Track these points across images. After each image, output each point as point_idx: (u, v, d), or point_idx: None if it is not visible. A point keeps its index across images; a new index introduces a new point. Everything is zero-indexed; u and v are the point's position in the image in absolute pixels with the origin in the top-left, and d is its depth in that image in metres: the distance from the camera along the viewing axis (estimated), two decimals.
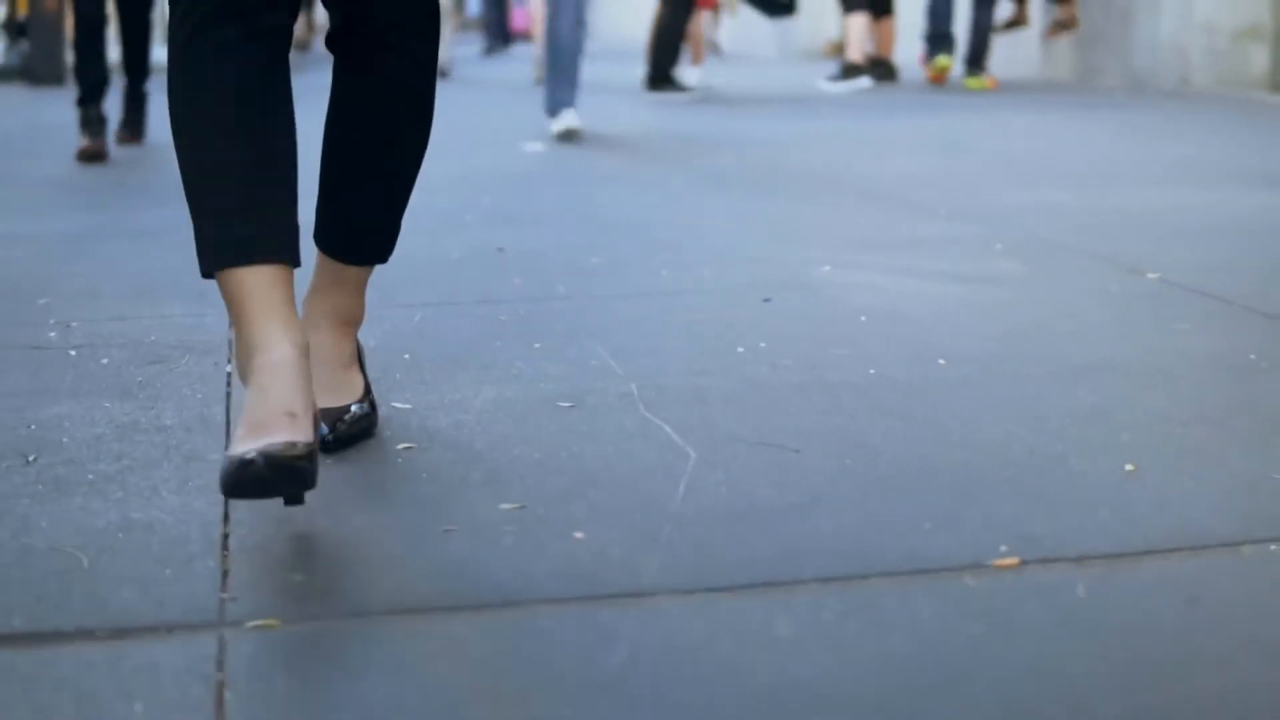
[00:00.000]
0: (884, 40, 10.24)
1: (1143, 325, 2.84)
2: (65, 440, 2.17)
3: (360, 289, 2.15)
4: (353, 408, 2.08)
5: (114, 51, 6.86)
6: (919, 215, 4.26)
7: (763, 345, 2.67)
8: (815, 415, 2.24)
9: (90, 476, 2.00)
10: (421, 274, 3.36)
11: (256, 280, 1.81)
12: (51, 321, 2.96)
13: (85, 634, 1.52)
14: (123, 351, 2.69)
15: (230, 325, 1.92)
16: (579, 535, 1.76)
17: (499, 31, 17.87)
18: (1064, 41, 10.46)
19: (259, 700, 1.37)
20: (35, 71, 11.38)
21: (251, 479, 1.62)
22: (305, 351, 1.81)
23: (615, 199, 4.75)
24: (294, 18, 1.90)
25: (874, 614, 1.54)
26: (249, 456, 1.62)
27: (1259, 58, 9.42)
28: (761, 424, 2.20)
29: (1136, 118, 7.58)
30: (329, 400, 2.05)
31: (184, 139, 1.86)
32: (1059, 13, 10.11)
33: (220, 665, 1.44)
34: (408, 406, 2.30)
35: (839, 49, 13.13)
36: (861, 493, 1.90)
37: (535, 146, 6.30)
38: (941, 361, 2.55)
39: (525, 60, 14.21)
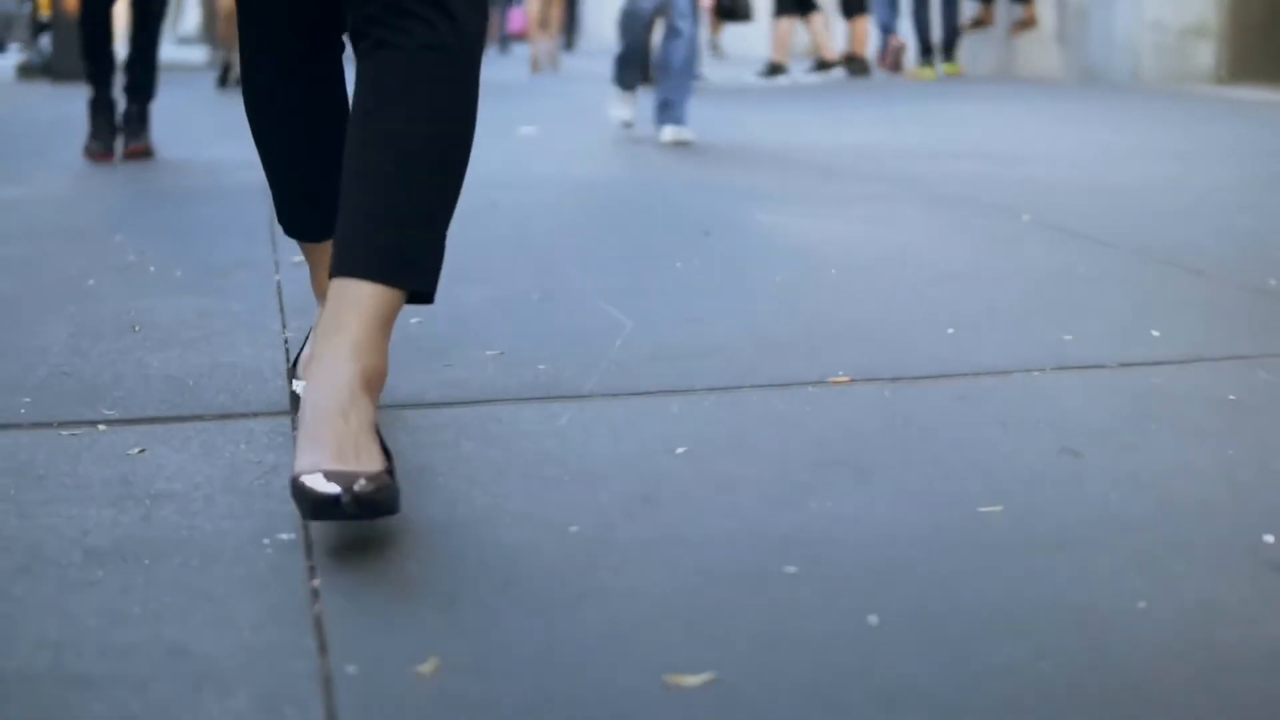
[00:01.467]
0: (857, 38, 10.96)
1: (1000, 250, 3.55)
2: (160, 320, 2.87)
3: (384, 329, 1.77)
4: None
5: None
6: (851, 179, 4.97)
7: (696, 262, 3.38)
8: (727, 303, 2.95)
9: (183, 338, 2.71)
10: None
11: (323, 245, 2.21)
12: (129, 250, 3.66)
13: (198, 417, 2.23)
14: (192, 269, 3.40)
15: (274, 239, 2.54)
16: (541, 367, 2.47)
17: (496, 33, 18.61)
18: (1026, 38, 11.18)
19: None
20: (58, 68, 12.05)
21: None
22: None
23: (593, 169, 5.46)
24: (342, 39, 2.11)
25: (739, 405, 2.25)
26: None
27: (1204, 53, 10.12)
28: (685, 309, 2.90)
29: (1079, 107, 8.29)
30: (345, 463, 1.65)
31: (263, 151, 2.20)
32: (1020, 12, 10.83)
33: (293, 425, 2.15)
34: None
35: (818, 48, 13.83)
36: (748, 344, 2.61)
37: (528, 130, 7.01)
38: (833, 271, 3.26)
39: (522, 59, 14.91)
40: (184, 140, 6.61)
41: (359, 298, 1.76)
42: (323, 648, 1.39)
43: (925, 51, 11.13)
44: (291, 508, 1.75)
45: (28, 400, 2.32)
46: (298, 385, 2.22)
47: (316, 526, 1.71)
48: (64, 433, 2.15)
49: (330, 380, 1.72)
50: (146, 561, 1.62)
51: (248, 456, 2.02)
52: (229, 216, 4.23)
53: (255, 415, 2.23)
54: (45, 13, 12.94)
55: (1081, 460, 1.97)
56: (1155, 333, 2.68)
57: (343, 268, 1.78)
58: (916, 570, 1.59)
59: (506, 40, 18.95)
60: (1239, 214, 4.10)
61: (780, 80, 10.51)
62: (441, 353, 2.57)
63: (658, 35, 6.92)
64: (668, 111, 6.33)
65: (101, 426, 2.18)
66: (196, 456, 2.02)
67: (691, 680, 1.32)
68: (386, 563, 1.61)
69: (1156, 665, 1.37)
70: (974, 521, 1.73)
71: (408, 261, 1.80)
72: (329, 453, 1.64)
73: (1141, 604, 1.50)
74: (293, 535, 1.70)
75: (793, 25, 10.47)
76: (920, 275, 3.22)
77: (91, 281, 3.27)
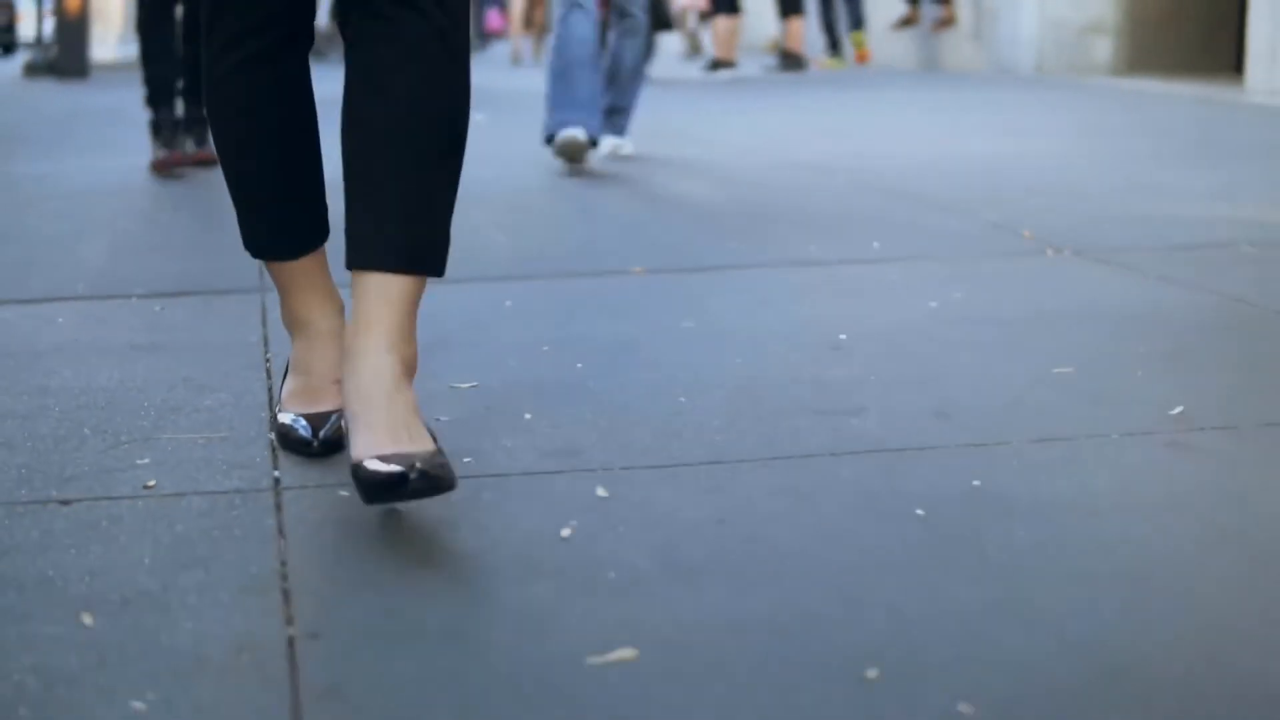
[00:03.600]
0: (793, 35, 12.09)
1: (801, 196, 4.66)
2: (175, 243, 3.98)
3: (411, 316, 1.88)
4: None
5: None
6: (733, 152, 6.09)
7: (565, 205, 4.50)
8: (575, 227, 4.07)
9: (192, 255, 3.82)
10: None
11: (293, 266, 2.09)
12: (148, 203, 4.78)
13: (198, 293, 3.33)
14: (200, 214, 4.52)
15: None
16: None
17: (474, 30, 19.75)
18: (946, 35, 12.31)
19: None
20: (62, 68, 12.99)
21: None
22: (343, 317, 2.05)
23: (518, 146, 6.57)
24: (311, 39, 2.02)
25: (557, 285, 3.37)
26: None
27: (1101, 48, 11.24)
28: (543, 231, 4.02)
29: (972, 95, 9.40)
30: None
31: (227, 156, 2.08)
32: (940, 12, 11.97)
33: (260, 286, 3.26)
34: None
35: (776, 45, 14.96)
36: (580, 251, 3.73)
37: (477, 117, 8.12)
38: (673, 207, 4.38)
39: (500, 57, 16.04)
40: None
41: (385, 290, 1.85)
42: (268, 374, 2.51)
43: (833, 45, 12.42)
44: (254, 317, 2.85)
45: (82, 284, 3.42)
46: (284, 417, 2.11)
47: (272, 324, 2.82)
48: (109, 301, 3.26)
49: (372, 371, 1.83)
50: (170, 350, 2.74)
51: (231, 309, 3.13)
52: None
53: (235, 292, 3.34)
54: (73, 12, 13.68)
55: (766, 306, 3.08)
56: (876, 244, 3.79)
57: (363, 260, 1.86)
58: (628, 350, 2.70)
59: (484, 37, 20.07)
60: (1028, 173, 5.20)
61: (721, 75, 11.62)
62: None
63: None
64: (614, 120, 5.64)
65: (134, 299, 3.29)
66: (198, 311, 3.14)
67: (465, 385, 2.43)
68: None
69: (746, 393, 2.47)
70: (675, 330, 2.85)
71: (424, 248, 1.88)
72: (383, 437, 1.77)
73: (751, 372, 2.61)
74: (256, 338, 2.81)
75: (731, 23, 11.58)
76: (731, 211, 4.35)
77: (121, 222, 4.38)
